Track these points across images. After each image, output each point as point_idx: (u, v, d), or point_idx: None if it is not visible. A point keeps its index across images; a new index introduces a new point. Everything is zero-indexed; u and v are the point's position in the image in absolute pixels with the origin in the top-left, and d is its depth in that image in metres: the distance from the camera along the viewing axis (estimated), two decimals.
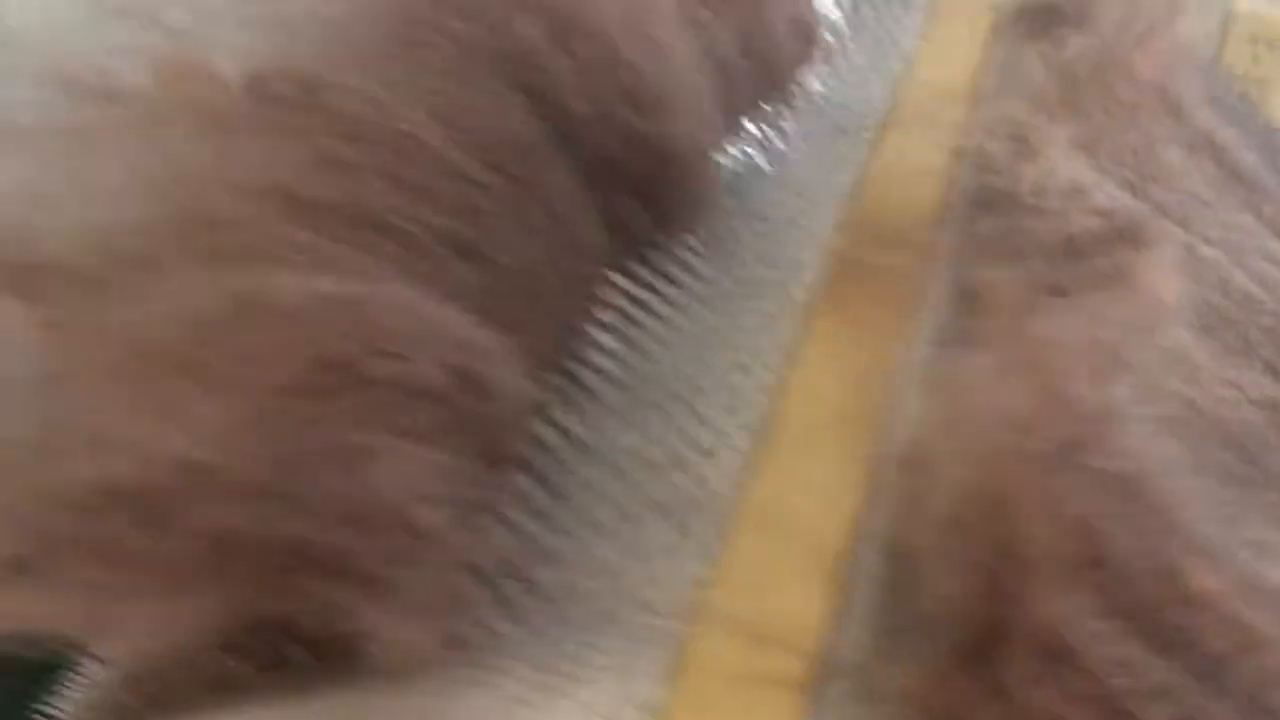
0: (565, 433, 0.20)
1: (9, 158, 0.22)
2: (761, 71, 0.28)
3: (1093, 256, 0.22)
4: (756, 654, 0.18)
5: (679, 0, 0.24)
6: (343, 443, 0.16)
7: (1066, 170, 0.24)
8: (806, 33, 0.30)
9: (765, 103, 0.28)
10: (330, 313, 0.18)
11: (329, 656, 0.17)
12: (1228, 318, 0.25)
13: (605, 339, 0.22)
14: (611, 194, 0.22)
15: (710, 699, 0.17)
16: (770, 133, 0.28)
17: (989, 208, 0.24)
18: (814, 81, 0.30)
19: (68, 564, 0.17)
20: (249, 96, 0.21)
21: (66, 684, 0.20)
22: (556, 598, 0.18)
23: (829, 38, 0.31)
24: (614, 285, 0.23)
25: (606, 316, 0.22)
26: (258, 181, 0.20)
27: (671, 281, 0.24)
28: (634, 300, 0.23)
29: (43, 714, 0.21)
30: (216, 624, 0.18)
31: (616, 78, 0.22)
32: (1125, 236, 0.22)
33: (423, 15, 0.22)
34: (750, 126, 0.28)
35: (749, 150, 0.28)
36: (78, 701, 0.20)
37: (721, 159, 0.26)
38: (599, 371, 0.22)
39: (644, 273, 0.23)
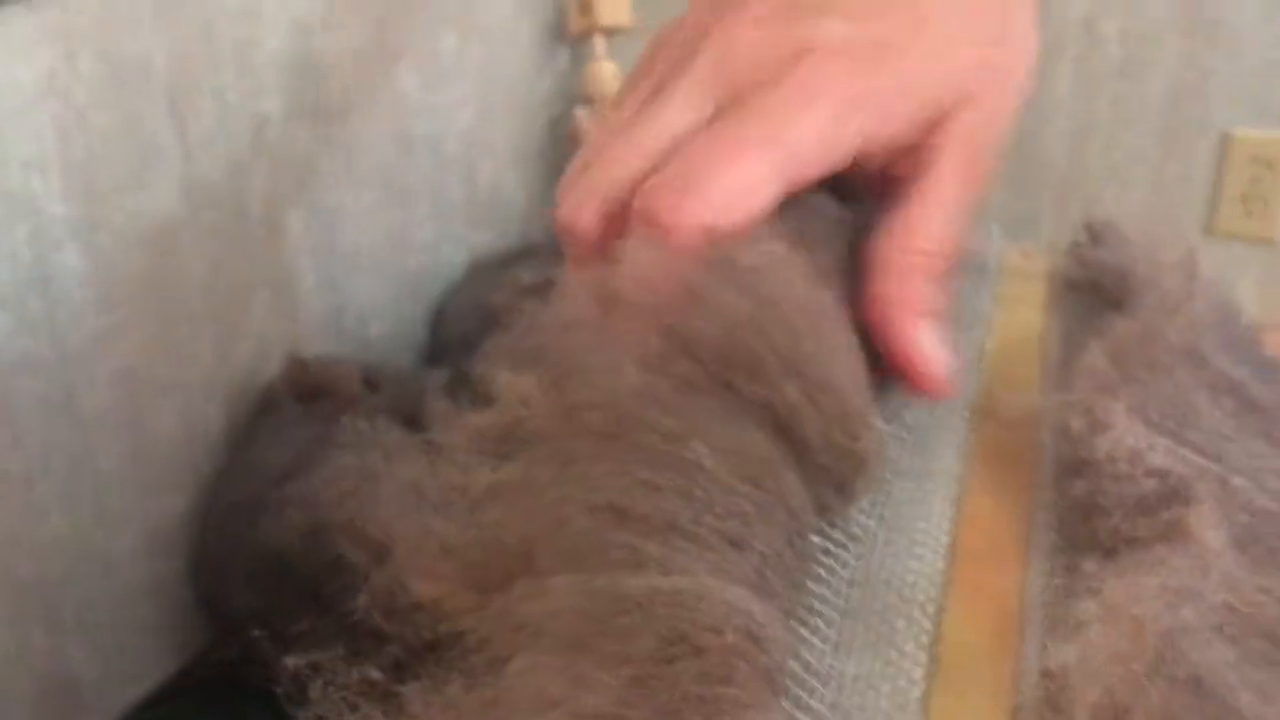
0: (808, 665, 0.29)
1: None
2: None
3: (1157, 511, 0.31)
4: None
5: (848, 330, 0.34)
6: (695, 694, 0.26)
7: (1129, 438, 0.34)
8: None
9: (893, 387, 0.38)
10: (667, 602, 0.27)
11: None
12: (1255, 533, 0.35)
13: (817, 588, 0.32)
14: (820, 488, 0.32)
15: None
16: (900, 408, 0.38)
17: (1076, 473, 0.33)
18: None
19: None
20: (571, 424, 0.31)
21: None
22: None
23: None
24: (816, 547, 0.32)
25: (816, 571, 0.32)
26: (596, 500, 0.29)
27: (852, 538, 0.33)
28: (830, 555, 0.33)
29: None
30: None
31: (840, 413, 0.31)
32: (1178, 495, 0.32)
33: (716, 376, 0.31)
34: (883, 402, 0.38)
35: (885, 422, 0.37)
36: None
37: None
38: (820, 614, 0.31)
39: (835, 534, 0.33)
